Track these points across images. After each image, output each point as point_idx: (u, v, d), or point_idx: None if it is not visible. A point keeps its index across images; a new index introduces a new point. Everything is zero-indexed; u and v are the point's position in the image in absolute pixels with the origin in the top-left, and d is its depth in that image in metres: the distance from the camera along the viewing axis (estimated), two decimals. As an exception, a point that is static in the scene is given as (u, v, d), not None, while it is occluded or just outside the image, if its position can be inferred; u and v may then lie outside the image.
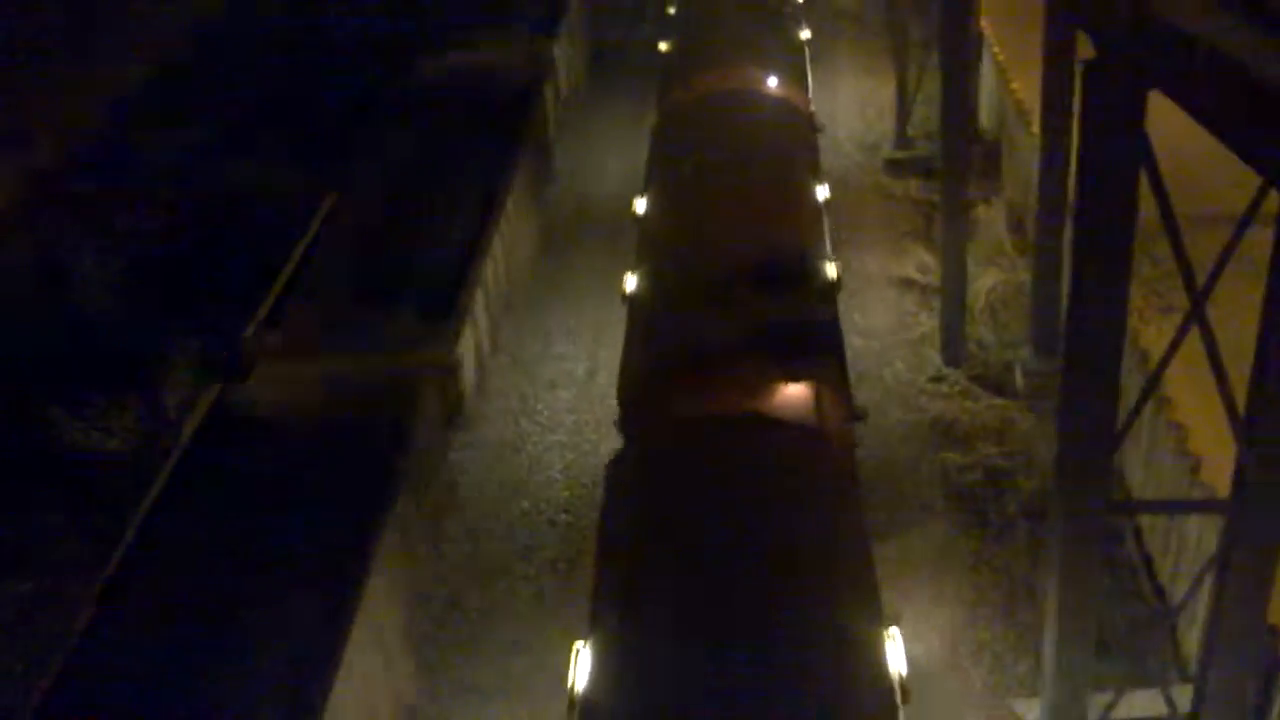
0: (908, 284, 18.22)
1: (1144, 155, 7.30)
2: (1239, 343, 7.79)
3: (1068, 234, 13.63)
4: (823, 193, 14.58)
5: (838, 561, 8.91)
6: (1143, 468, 12.45)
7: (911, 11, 21.82)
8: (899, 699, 7.86)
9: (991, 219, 18.83)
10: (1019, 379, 15.32)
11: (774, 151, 15.31)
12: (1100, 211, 7.63)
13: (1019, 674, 11.66)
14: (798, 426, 10.39)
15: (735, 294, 12.14)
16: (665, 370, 11.37)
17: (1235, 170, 6.38)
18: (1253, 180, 6.23)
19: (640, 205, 14.75)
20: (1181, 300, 10.73)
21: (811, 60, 19.86)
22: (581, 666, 8.20)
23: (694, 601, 8.50)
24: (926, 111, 21.87)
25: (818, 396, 10.73)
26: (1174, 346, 7.99)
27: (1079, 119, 7.49)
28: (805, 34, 20.47)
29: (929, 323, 16.99)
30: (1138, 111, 7.16)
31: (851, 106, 24.51)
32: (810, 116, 17.30)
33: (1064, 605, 8.99)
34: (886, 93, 23.71)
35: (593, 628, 8.75)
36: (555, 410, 16.32)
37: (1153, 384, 8.61)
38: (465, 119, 21.28)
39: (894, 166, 21.75)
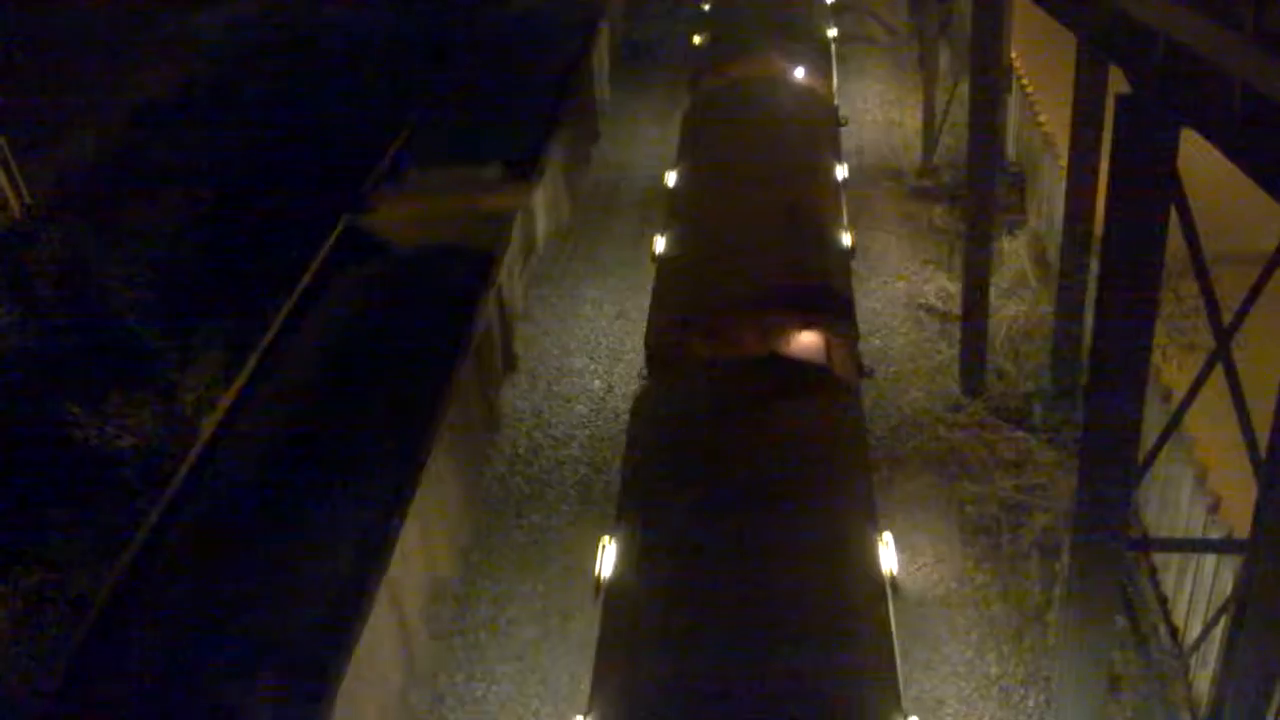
0: (929, 311, 18.18)
1: (1174, 192, 7.28)
2: (1262, 382, 7.76)
3: (1093, 268, 13.59)
4: (841, 172, 15.81)
5: (840, 476, 9.90)
6: (1160, 505, 12.36)
7: (941, 42, 21.88)
8: (889, 591, 8.91)
9: (1015, 250, 18.78)
10: (1038, 412, 15.24)
11: (796, 131, 16.53)
12: (1128, 247, 7.61)
13: (1028, 709, 11.56)
14: (809, 365, 11.45)
15: (756, 253, 13.18)
16: (689, 318, 12.45)
17: (1264, 208, 6.37)
18: (1284, 220, 6.22)
19: (671, 178, 15.97)
20: (1205, 338, 10.70)
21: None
22: (607, 557, 9.25)
23: (709, 502, 9.51)
24: (953, 141, 21.89)
25: (828, 342, 11.79)
26: (1197, 385, 7.95)
27: (1110, 154, 7.48)
28: (832, 32, 22.01)
29: (949, 352, 16.92)
30: (1170, 148, 7.15)
31: (878, 134, 24.55)
32: (834, 106, 18.31)
33: (1078, 642, 8.93)
34: (913, 122, 23.75)
35: (618, 523, 9.76)
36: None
37: (1174, 422, 8.56)
38: (542, 40, 26.60)
39: (919, 194, 21.75)
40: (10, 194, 21.08)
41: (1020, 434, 15.10)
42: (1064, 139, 14.30)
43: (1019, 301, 17.52)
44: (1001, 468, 14.62)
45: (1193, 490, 11.23)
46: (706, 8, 24.76)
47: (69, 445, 15.76)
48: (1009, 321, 17.09)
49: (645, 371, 12.32)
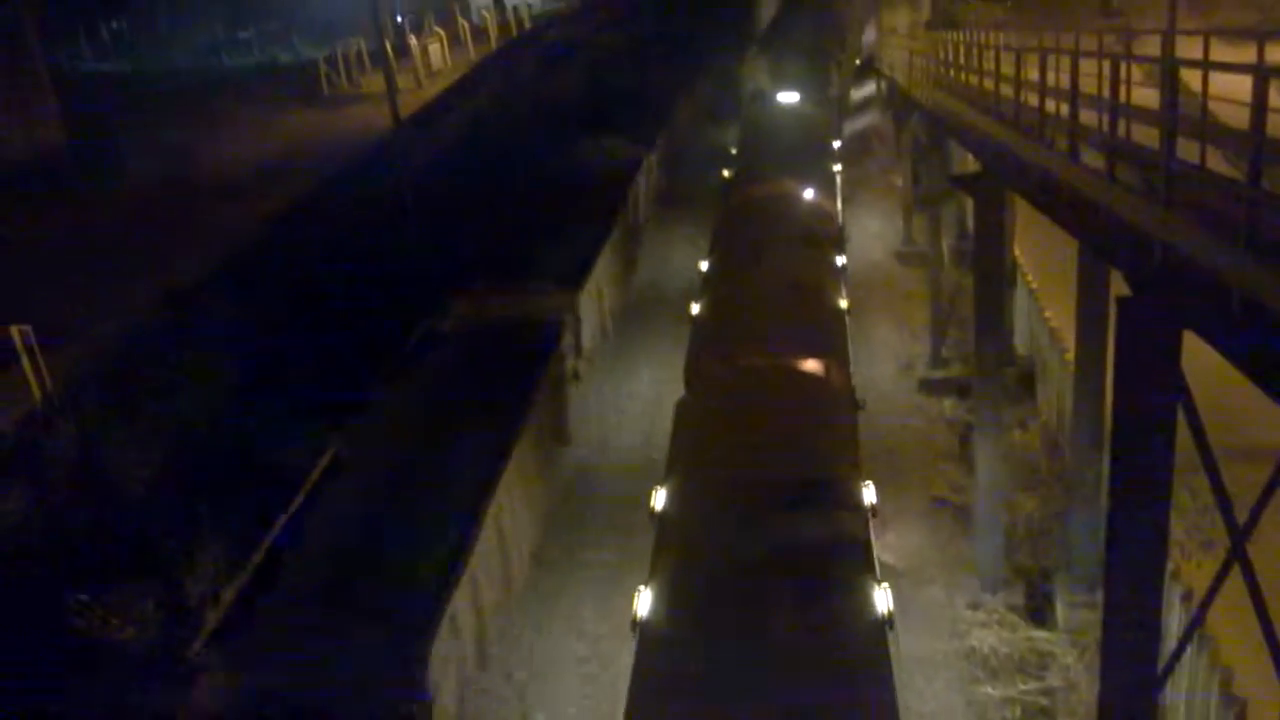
0: (942, 504, 18.01)
1: (1180, 390, 7.32)
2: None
3: (1105, 462, 13.52)
4: (841, 260, 19.60)
5: (835, 442, 12.96)
6: (1188, 711, 11.93)
7: (946, 236, 22.44)
8: (869, 518, 11.30)
9: (1027, 442, 18.74)
10: (1059, 610, 14.89)
11: (804, 229, 20.36)
12: (1137, 445, 7.60)
13: None
14: (811, 376, 14.46)
15: (769, 310, 16.39)
16: (717, 353, 15.60)
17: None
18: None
19: (704, 265, 19.84)
20: (1224, 535, 10.53)
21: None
22: (660, 496, 12.02)
23: (738, 457, 12.52)
24: (962, 333, 22.16)
25: (826, 364, 14.66)
26: (1215, 585, 7.80)
27: (1114, 355, 7.56)
28: (837, 167, 26.79)
29: (965, 546, 16.69)
30: (1173, 348, 7.22)
31: (888, 326, 24.93)
32: (839, 224, 22.67)
33: None
34: (921, 315, 24.14)
35: (668, 474, 12.68)
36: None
37: (1196, 623, 8.37)
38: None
39: (929, 386, 21.89)
40: (32, 383, 21.34)
41: (1042, 633, 14.73)
42: (1071, 333, 14.47)
43: (1033, 496, 17.36)
44: (1024, 669, 14.20)
45: (1219, 695, 10.86)
46: (734, 151, 30.08)
47: (72, 635, 15.51)
48: (1025, 516, 16.90)
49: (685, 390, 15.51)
